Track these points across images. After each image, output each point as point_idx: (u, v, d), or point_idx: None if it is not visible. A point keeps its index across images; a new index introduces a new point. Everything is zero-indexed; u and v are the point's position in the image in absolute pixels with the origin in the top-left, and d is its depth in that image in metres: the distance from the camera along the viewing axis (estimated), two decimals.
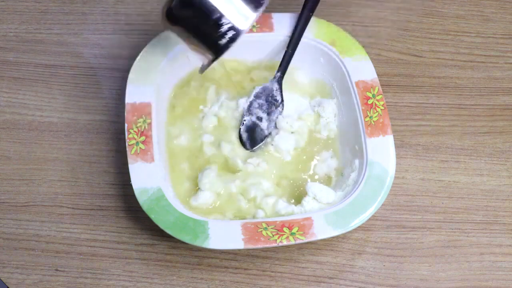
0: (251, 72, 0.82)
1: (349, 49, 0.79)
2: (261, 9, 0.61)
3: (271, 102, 0.79)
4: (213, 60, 0.65)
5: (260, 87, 0.79)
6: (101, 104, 0.82)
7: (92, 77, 0.84)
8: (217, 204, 0.73)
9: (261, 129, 0.78)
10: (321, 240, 0.72)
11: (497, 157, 0.81)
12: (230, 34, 0.60)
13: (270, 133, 0.78)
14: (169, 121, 0.78)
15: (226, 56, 0.80)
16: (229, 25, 0.60)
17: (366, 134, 0.74)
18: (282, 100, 0.79)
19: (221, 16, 0.60)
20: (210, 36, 0.61)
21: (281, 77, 0.79)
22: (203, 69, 0.69)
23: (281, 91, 0.79)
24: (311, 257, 0.73)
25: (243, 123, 0.78)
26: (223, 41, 0.60)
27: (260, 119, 0.78)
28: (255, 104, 0.79)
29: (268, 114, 0.79)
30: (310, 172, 0.76)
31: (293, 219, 0.69)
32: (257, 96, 0.79)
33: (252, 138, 0.78)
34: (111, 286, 0.71)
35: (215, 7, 0.60)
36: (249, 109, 0.78)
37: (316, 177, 0.76)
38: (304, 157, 0.77)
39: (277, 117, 0.79)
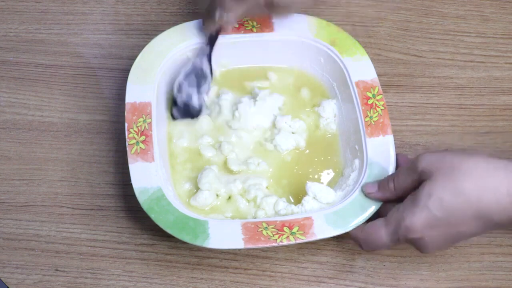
0: (251, 72, 0.82)
1: (349, 49, 0.79)
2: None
3: (200, 76, 0.78)
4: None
5: (189, 66, 0.78)
6: (101, 104, 0.82)
7: (92, 77, 0.84)
8: (217, 204, 0.73)
9: (193, 106, 0.77)
10: (321, 240, 0.71)
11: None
12: None
13: (204, 104, 0.78)
14: (170, 121, 0.78)
15: (226, 56, 0.81)
16: None
17: (366, 134, 0.74)
18: (211, 72, 0.78)
19: None
20: None
21: (211, 50, 0.78)
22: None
23: (210, 65, 0.78)
24: (311, 257, 0.73)
25: (175, 104, 0.77)
26: None
27: (190, 97, 0.77)
28: (185, 84, 0.77)
29: (198, 87, 0.78)
30: (310, 172, 0.76)
31: (293, 219, 0.69)
32: (187, 75, 0.78)
33: (186, 116, 0.78)
34: (111, 286, 0.71)
35: None
36: (179, 90, 0.77)
37: (316, 177, 0.76)
38: (304, 157, 0.77)
39: (208, 88, 0.78)
